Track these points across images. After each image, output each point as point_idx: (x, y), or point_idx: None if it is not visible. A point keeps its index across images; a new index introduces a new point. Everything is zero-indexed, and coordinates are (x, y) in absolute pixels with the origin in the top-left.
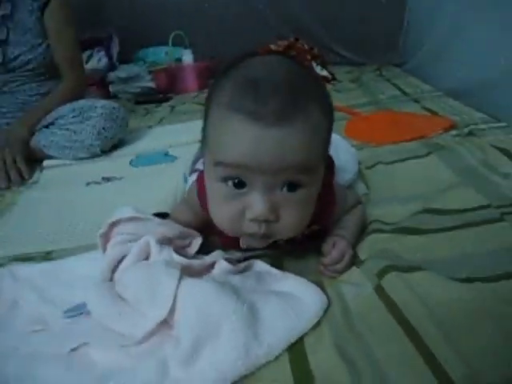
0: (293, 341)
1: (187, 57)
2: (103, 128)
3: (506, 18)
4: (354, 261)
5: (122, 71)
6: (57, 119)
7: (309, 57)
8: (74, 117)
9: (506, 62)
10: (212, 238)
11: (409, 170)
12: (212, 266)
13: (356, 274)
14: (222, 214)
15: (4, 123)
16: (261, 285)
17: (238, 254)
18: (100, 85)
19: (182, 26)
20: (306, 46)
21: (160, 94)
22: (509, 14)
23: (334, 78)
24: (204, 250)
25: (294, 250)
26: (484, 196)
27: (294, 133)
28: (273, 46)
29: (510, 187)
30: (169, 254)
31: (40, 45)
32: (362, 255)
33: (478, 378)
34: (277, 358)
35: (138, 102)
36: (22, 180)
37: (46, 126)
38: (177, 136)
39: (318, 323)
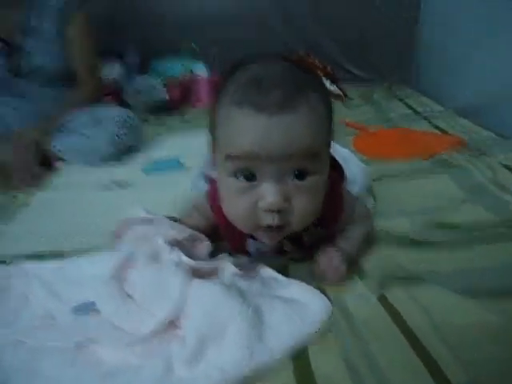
0: (297, 346)
1: (201, 70)
2: (117, 135)
3: None
4: (358, 272)
5: (138, 82)
6: (73, 124)
7: (321, 74)
8: (89, 122)
9: None
10: (220, 243)
11: (416, 185)
12: (219, 269)
13: (359, 285)
14: (236, 208)
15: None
16: (266, 290)
17: (245, 260)
18: (115, 95)
19: (197, 39)
20: (318, 63)
21: (173, 106)
22: None
23: (345, 95)
24: (212, 254)
25: (299, 258)
26: (493, 213)
27: (297, 119)
28: None
29: None
30: (178, 255)
31: (60, 54)
32: (366, 266)
33: None
34: (280, 361)
35: (151, 113)
36: (36, 182)
37: (61, 131)
38: (188, 145)
39: (322, 329)
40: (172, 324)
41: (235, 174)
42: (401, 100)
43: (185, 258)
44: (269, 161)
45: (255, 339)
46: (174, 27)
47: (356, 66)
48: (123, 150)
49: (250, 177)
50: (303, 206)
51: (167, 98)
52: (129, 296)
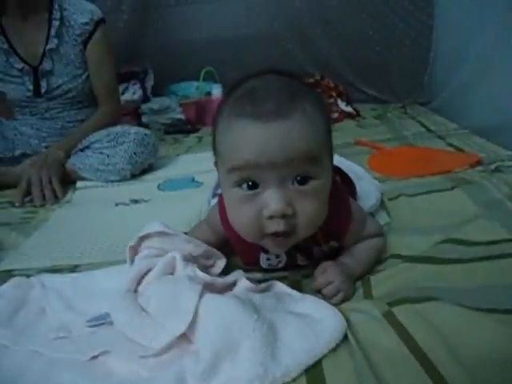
0: (311, 363)
1: (216, 91)
2: (135, 153)
3: None
4: (366, 288)
5: (155, 103)
6: (92, 143)
7: (334, 94)
8: (108, 141)
9: None
10: (234, 258)
11: (432, 202)
12: (234, 284)
13: (367, 302)
14: (240, 217)
15: (43, 147)
16: (281, 305)
17: (258, 275)
18: (133, 115)
19: (213, 62)
20: (332, 84)
21: (189, 126)
22: None
23: (358, 115)
24: (226, 270)
25: (312, 274)
26: (508, 230)
27: (293, 125)
28: None
29: None
30: (193, 270)
31: (80, 75)
32: (376, 285)
33: None
34: (294, 379)
35: (167, 132)
36: (56, 199)
37: (82, 150)
38: (203, 163)
39: (337, 347)
40: (185, 338)
41: (238, 185)
42: (413, 118)
43: (200, 273)
44: (269, 168)
45: (269, 356)
46: (191, 51)
47: (370, 87)
48: (140, 168)
49: (253, 186)
50: (307, 210)
51: (183, 117)
52: (143, 310)
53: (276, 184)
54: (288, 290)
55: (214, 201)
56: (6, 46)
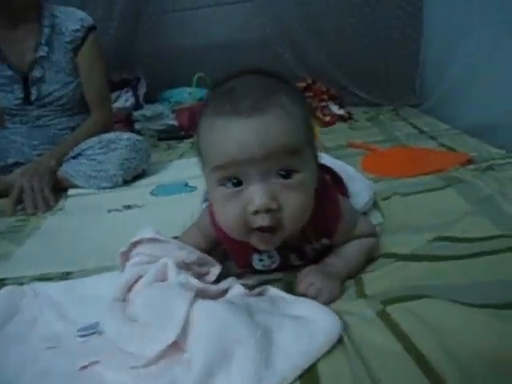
0: (306, 366)
1: None
2: (126, 159)
3: None
4: (358, 288)
5: (147, 110)
6: (84, 150)
7: (326, 97)
8: (100, 148)
9: None
10: (227, 264)
11: (425, 201)
12: (227, 290)
13: (359, 302)
14: (226, 215)
15: (35, 155)
16: (275, 308)
17: (251, 281)
18: (125, 122)
19: (205, 68)
20: (324, 88)
21: (182, 132)
22: None
23: (350, 117)
24: (219, 278)
25: None
26: (499, 226)
27: (271, 119)
28: None
29: None
30: (185, 277)
31: (71, 82)
32: (369, 283)
33: None
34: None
35: (160, 139)
36: (48, 207)
37: (74, 157)
38: (196, 168)
39: (332, 347)
40: (177, 347)
41: (222, 183)
42: (405, 120)
43: (192, 280)
44: (250, 163)
45: (263, 364)
46: (183, 57)
47: (361, 90)
48: (132, 174)
49: (237, 183)
50: (292, 204)
51: (176, 124)
52: (132, 319)
53: (258, 179)
54: (282, 293)
55: (205, 204)
56: None
